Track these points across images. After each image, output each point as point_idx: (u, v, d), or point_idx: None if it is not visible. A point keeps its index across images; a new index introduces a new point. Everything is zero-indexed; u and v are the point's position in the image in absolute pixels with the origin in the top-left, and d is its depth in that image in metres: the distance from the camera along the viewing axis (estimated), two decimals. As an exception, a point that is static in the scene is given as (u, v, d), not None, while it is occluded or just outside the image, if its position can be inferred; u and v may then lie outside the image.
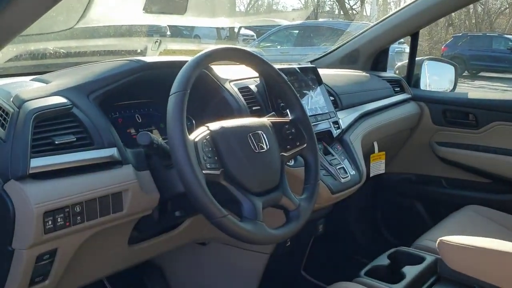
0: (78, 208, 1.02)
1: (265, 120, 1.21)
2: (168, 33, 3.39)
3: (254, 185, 1.08)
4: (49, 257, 1.04)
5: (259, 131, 1.14)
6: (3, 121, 1.04)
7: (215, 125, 1.09)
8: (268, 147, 1.14)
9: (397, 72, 2.58)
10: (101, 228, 1.10)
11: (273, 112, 1.34)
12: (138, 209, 1.15)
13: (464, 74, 13.82)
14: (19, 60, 1.52)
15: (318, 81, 1.74)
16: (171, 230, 1.39)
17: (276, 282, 1.94)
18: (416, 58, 2.46)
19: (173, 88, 1.03)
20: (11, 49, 1.42)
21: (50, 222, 0.98)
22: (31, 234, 0.96)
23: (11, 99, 1.07)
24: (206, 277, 1.83)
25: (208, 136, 1.06)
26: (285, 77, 1.27)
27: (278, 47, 10.82)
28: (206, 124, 1.10)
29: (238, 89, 1.44)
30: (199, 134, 1.05)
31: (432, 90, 2.52)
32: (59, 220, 0.99)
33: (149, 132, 1.05)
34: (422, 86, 2.47)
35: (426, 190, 2.40)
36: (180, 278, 1.89)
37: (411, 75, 2.44)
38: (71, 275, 1.17)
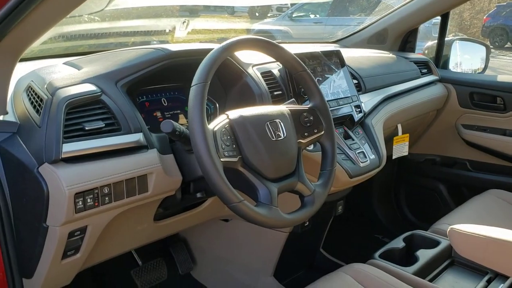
0: (106, 190, 1.10)
1: (284, 108, 1.24)
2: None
3: (270, 172, 1.13)
4: (80, 233, 1.13)
5: (276, 120, 1.18)
6: (38, 107, 1.11)
7: (234, 114, 1.14)
8: (285, 135, 1.18)
9: (426, 52, 2.55)
10: (128, 207, 1.18)
11: (293, 99, 1.37)
12: (162, 190, 1.22)
13: (506, 46, 13.27)
14: (52, 42, 1.59)
15: (342, 64, 1.75)
16: (194, 208, 1.47)
17: (295, 259, 2.01)
18: (446, 39, 2.42)
19: (194, 80, 1.08)
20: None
21: (80, 203, 1.06)
22: (63, 213, 1.04)
23: (45, 86, 1.14)
24: (227, 250, 1.92)
25: (227, 125, 1.10)
26: (304, 65, 1.29)
27: (312, 16, 10.60)
28: (226, 112, 1.14)
29: (261, 73, 1.47)
30: (218, 123, 1.10)
31: (462, 71, 2.49)
32: (88, 200, 1.07)
33: (171, 121, 1.09)
34: (451, 67, 2.44)
35: (450, 172, 2.41)
36: (203, 250, 1.99)
37: (440, 56, 2.42)
38: (100, 249, 1.27)
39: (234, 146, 1.10)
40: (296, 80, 1.35)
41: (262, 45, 1.24)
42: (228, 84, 1.45)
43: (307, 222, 1.78)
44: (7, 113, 1.17)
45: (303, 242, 2.01)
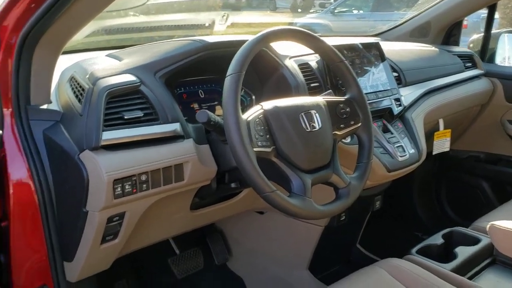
0: (144, 177, 1.13)
1: (320, 99, 1.23)
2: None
3: (304, 163, 1.12)
4: (118, 219, 1.16)
5: (311, 111, 1.17)
6: (80, 96, 1.16)
7: (268, 104, 1.14)
8: (320, 126, 1.17)
9: (471, 45, 2.47)
10: (164, 195, 1.21)
11: (330, 90, 1.36)
12: (197, 179, 1.24)
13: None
14: (96, 36, 1.64)
15: (381, 57, 1.72)
16: (229, 199, 1.48)
17: (331, 253, 2.00)
18: (493, 31, 2.33)
19: (229, 70, 1.09)
20: (89, 26, 1.54)
21: (119, 189, 1.09)
22: (102, 198, 1.08)
23: (87, 76, 1.18)
24: (262, 243, 1.93)
25: (261, 115, 1.11)
26: (342, 56, 1.27)
27: (355, 11, 10.45)
28: (261, 103, 1.15)
29: (298, 65, 1.46)
30: (252, 113, 1.10)
31: (510, 65, 2.39)
32: (127, 187, 1.10)
33: (206, 111, 1.10)
34: (497, 61, 2.35)
35: (494, 170, 2.33)
36: (238, 242, 2.00)
37: (486, 50, 2.34)
38: (138, 235, 1.30)
39: (267, 136, 1.10)
40: (333, 71, 1.34)
41: (299, 35, 1.23)
42: (265, 76, 1.45)
43: (343, 216, 1.76)
44: (51, 102, 1.22)
45: (339, 237, 1.99)
